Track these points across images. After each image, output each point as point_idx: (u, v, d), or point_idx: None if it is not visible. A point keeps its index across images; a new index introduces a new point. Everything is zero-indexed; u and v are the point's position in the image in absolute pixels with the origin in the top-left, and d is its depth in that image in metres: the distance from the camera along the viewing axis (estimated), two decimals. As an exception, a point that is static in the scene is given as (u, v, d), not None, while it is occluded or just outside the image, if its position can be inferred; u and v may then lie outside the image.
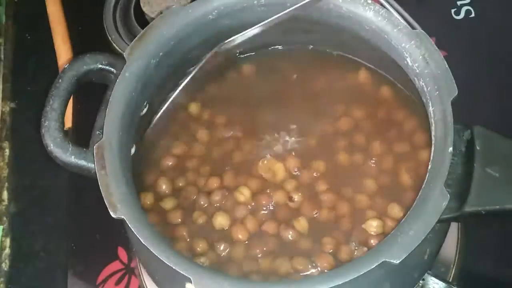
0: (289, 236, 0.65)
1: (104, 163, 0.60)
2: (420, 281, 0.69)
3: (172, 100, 0.71)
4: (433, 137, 0.60)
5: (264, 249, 0.64)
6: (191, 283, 0.54)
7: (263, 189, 0.67)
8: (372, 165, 0.68)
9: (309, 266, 0.63)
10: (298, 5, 0.66)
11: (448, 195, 0.56)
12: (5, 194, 0.88)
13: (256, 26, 0.68)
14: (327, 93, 0.72)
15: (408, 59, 0.63)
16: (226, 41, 0.69)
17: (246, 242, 0.65)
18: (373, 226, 0.64)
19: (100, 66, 0.66)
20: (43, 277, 0.84)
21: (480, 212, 0.59)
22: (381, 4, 0.67)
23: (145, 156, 0.70)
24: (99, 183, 0.59)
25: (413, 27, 0.64)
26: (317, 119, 0.70)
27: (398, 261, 0.54)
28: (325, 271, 0.62)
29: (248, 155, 0.69)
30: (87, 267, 0.83)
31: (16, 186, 0.89)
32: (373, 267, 0.54)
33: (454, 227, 0.77)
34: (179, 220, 0.67)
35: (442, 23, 0.94)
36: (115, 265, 0.83)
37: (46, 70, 0.94)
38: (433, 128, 0.61)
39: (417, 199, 0.58)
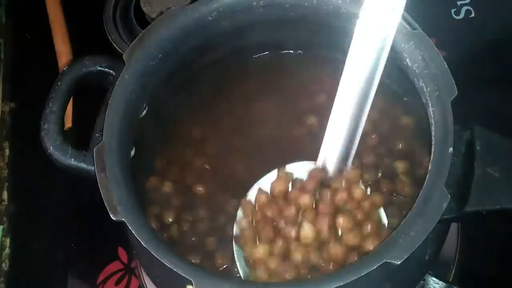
0: None
1: (104, 165, 0.60)
2: (421, 281, 0.70)
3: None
4: (433, 138, 0.60)
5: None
6: (192, 285, 0.54)
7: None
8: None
9: None
10: None
11: (449, 196, 0.56)
12: (5, 194, 0.89)
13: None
14: (326, 93, 0.72)
15: (407, 60, 0.63)
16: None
17: None
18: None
19: (99, 68, 0.66)
20: (43, 277, 0.84)
21: (480, 212, 0.59)
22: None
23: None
24: (99, 186, 0.59)
25: (413, 27, 0.64)
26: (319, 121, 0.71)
27: (399, 262, 0.54)
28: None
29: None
30: (87, 267, 0.84)
31: (16, 186, 0.89)
32: (374, 268, 0.54)
33: (454, 227, 0.77)
34: None
35: (442, 23, 0.94)
36: (115, 265, 0.83)
37: (46, 70, 0.94)
38: (433, 128, 0.60)
39: (417, 200, 0.57)
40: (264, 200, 0.66)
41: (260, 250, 0.63)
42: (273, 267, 0.62)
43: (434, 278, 0.71)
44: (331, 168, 0.66)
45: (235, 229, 0.66)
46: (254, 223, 0.65)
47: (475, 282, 0.78)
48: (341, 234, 0.63)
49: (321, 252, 0.62)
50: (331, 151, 0.66)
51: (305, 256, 0.62)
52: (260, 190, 0.66)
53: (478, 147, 0.60)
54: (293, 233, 0.63)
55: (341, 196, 0.64)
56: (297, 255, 0.62)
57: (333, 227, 0.63)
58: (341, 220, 0.63)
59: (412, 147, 0.68)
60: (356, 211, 0.64)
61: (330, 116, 0.65)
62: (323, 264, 0.62)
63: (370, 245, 0.61)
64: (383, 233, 0.63)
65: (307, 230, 0.62)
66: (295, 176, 0.67)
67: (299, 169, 0.67)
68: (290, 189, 0.66)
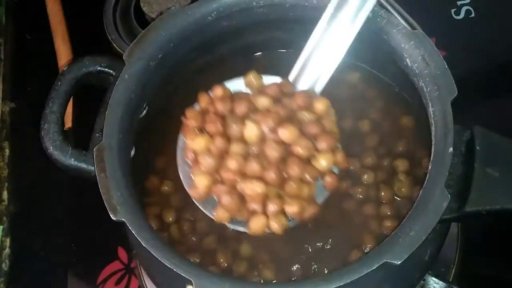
0: None
1: (104, 165, 0.60)
2: (421, 281, 0.70)
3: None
4: (433, 138, 0.60)
5: None
6: (192, 285, 0.54)
7: None
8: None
9: None
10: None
11: (449, 196, 0.56)
12: (5, 194, 0.89)
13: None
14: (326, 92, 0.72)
15: (407, 60, 0.63)
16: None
17: None
18: None
19: (99, 68, 0.66)
20: (43, 277, 0.84)
21: (480, 212, 0.59)
22: (381, 4, 0.67)
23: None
24: (99, 186, 0.59)
25: (413, 27, 0.64)
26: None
27: (399, 262, 0.54)
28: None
29: None
30: (87, 267, 0.84)
31: (16, 186, 0.89)
32: (374, 268, 0.54)
33: (454, 227, 0.77)
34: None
35: (442, 23, 0.94)
36: (115, 265, 0.83)
37: (46, 70, 0.94)
38: (433, 128, 0.60)
39: (417, 200, 0.58)
40: (220, 94, 0.65)
41: (200, 141, 0.62)
42: (208, 165, 0.62)
43: (434, 278, 0.71)
44: (300, 87, 0.66)
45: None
46: (203, 116, 0.65)
47: (475, 282, 0.78)
48: (288, 143, 0.62)
49: (261, 161, 0.61)
50: (304, 68, 0.66)
51: (241, 163, 0.61)
52: (222, 84, 0.66)
53: (478, 147, 0.60)
54: (236, 129, 0.62)
55: (300, 101, 0.64)
56: (232, 162, 0.61)
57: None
58: (290, 127, 0.61)
59: (412, 147, 0.69)
60: (313, 125, 0.63)
61: (313, 33, 0.65)
62: (261, 174, 0.61)
63: (322, 162, 0.61)
64: (338, 156, 0.63)
65: (252, 128, 0.61)
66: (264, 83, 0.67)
67: (270, 81, 0.67)
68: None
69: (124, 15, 0.96)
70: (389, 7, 0.69)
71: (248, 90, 0.67)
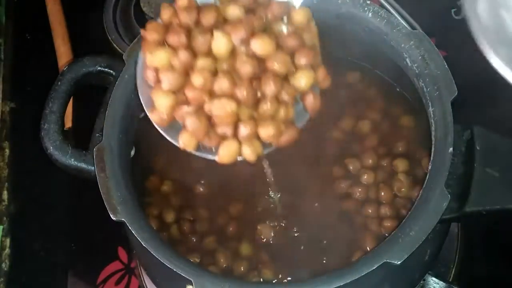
0: None
1: (104, 165, 0.60)
2: (421, 281, 0.70)
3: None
4: (433, 138, 0.60)
5: None
6: (192, 285, 0.54)
7: None
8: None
9: None
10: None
11: (449, 196, 0.56)
12: (5, 194, 0.88)
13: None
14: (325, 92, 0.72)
15: (407, 60, 0.63)
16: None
17: None
18: None
19: (99, 68, 0.66)
20: (43, 277, 0.84)
21: (480, 212, 0.59)
22: (381, 5, 0.67)
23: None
24: (99, 186, 0.59)
25: (413, 27, 0.64)
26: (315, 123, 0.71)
27: (399, 262, 0.54)
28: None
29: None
30: (87, 267, 0.84)
31: (16, 186, 0.89)
32: (374, 268, 0.54)
33: (454, 227, 0.77)
34: None
35: (442, 23, 0.94)
36: (115, 265, 0.83)
37: (46, 70, 0.94)
38: (433, 128, 0.61)
39: (417, 200, 0.58)
40: (185, 4, 0.57)
41: (161, 54, 0.55)
42: (170, 82, 0.55)
43: (434, 278, 0.71)
44: None
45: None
46: (166, 29, 0.57)
47: (475, 282, 0.78)
48: (263, 57, 0.55)
49: (231, 77, 0.54)
50: None
51: (209, 80, 0.54)
52: None
53: (478, 147, 0.60)
54: (202, 41, 0.54)
55: (277, 11, 0.56)
56: (199, 77, 0.54)
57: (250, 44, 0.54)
58: (265, 38, 0.54)
59: (412, 147, 0.69)
60: (291, 37, 0.56)
61: None
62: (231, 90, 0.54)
63: (302, 80, 0.55)
64: (320, 73, 0.57)
65: (220, 39, 0.54)
66: None
67: None
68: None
69: (124, 15, 0.96)
70: (389, 7, 0.69)
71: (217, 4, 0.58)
